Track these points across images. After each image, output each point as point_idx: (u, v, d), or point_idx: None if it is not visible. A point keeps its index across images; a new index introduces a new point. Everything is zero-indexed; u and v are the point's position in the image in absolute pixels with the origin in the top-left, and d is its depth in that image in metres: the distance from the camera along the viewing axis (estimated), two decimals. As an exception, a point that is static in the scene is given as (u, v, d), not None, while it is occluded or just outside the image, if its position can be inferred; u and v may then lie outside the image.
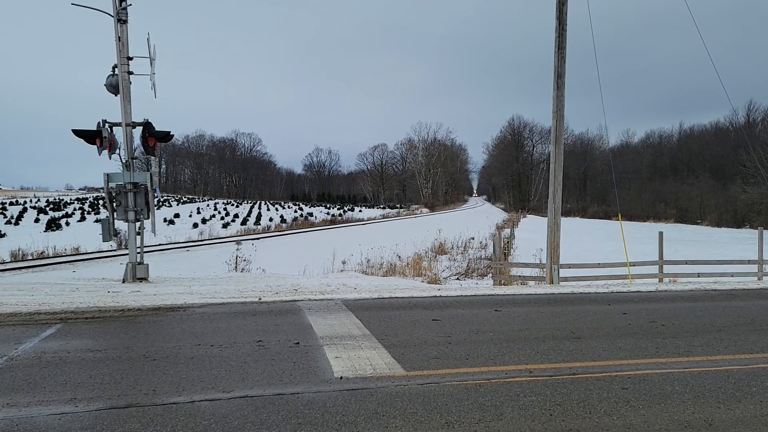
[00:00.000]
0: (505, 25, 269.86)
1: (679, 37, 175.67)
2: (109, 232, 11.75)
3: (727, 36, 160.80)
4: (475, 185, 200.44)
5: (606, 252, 23.13)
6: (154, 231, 12.61)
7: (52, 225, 38.69)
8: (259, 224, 50.00)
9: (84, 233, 33.67)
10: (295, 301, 9.00)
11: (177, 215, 53.49)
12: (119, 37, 11.63)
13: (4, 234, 33.56)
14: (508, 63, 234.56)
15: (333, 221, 57.27)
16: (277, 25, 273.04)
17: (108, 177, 11.62)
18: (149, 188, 11.77)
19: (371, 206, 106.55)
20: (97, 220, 44.33)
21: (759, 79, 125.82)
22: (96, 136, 11.42)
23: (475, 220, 56.56)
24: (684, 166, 78.86)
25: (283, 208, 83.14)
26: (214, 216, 57.62)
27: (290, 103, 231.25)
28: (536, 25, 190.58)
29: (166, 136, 12.23)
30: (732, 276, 14.14)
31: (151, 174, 11.77)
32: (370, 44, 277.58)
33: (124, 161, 11.80)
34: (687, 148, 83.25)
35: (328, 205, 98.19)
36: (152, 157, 12.57)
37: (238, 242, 29.19)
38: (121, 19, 11.69)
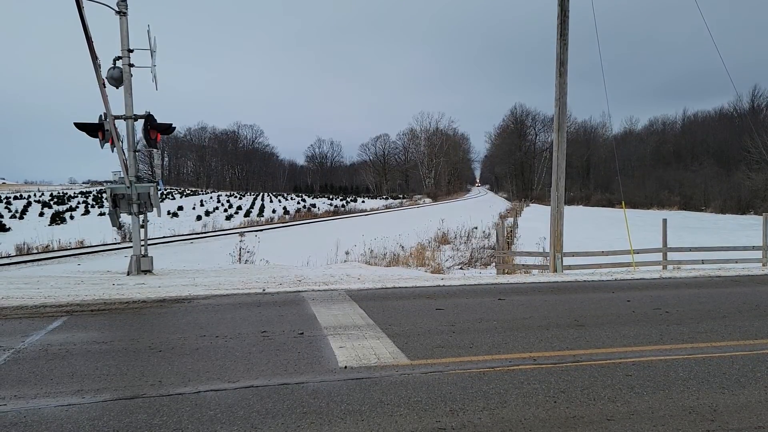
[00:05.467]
0: (505, 9, 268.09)
1: (681, 21, 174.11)
2: (115, 221, 12.19)
3: (731, 16, 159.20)
4: (477, 175, 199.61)
5: (610, 240, 23.09)
6: (159, 213, 12.53)
7: (57, 219, 38.82)
8: (263, 216, 50.10)
9: (88, 227, 33.78)
10: (299, 291, 9.02)
11: (180, 208, 53.58)
12: (93, 28, 11.46)
13: (9, 228, 33.69)
14: (509, 52, 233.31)
15: (336, 212, 57.30)
16: (269, 18, 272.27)
17: (111, 191, 11.70)
18: (150, 195, 11.81)
19: (374, 197, 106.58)
20: (101, 214, 44.49)
21: (763, 61, 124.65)
22: (98, 129, 11.41)
23: (478, 209, 56.51)
24: (688, 153, 78.39)
25: (286, 199, 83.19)
26: (217, 208, 57.74)
27: (291, 94, 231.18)
28: (537, 11, 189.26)
29: (168, 128, 12.22)
30: (736, 262, 14.12)
31: (153, 167, 11.79)
32: (368, 32, 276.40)
33: (121, 175, 11.77)
34: (691, 135, 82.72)
35: (330, 196, 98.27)
36: (155, 150, 12.57)
37: (241, 234, 29.24)
38: (121, 12, 11.65)
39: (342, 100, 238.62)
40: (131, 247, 12.43)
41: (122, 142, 11.84)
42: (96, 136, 11.46)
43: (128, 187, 11.66)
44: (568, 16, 12.86)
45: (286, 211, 56.57)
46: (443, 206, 69.18)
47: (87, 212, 47.26)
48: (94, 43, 9.69)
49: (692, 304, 8.06)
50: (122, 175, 11.66)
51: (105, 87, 10.42)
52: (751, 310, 7.52)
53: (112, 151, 11.65)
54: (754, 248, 14.79)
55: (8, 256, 19.75)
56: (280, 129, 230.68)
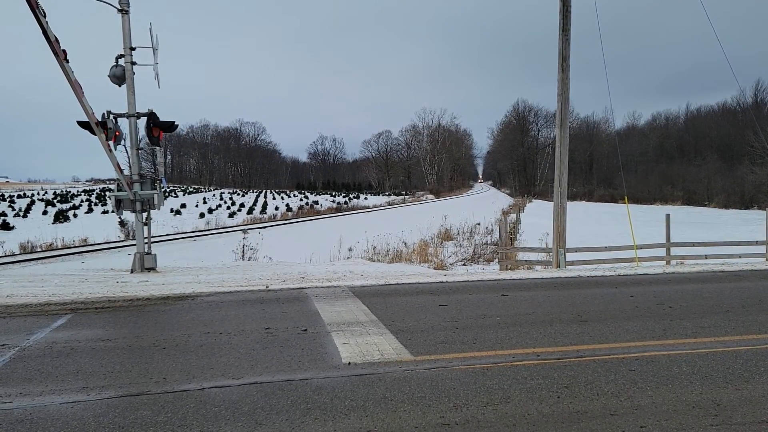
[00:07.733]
0: (507, 4, 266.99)
1: (684, 15, 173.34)
2: (120, 213, 12.62)
3: (733, 10, 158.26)
4: (480, 171, 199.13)
5: (613, 235, 23.05)
6: (160, 206, 12.61)
7: (60, 217, 38.89)
8: (265, 213, 50.14)
9: (91, 225, 33.85)
10: (303, 288, 9.04)
11: (183, 205, 53.63)
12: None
13: (13, 226, 33.77)
14: (511, 47, 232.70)
15: (338, 209, 57.27)
16: (268, 15, 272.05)
17: (116, 197, 11.81)
18: (154, 202, 11.86)
19: (376, 194, 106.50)
20: (104, 212, 44.59)
21: (766, 55, 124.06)
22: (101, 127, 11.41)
23: (481, 205, 56.45)
24: (691, 148, 78.09)
25: (289, 196, 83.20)
26: (220, 205, 57.76)
27: (293, 91, 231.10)
28: (539, 5, 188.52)
29: (171, 126, 12.23)
30: (740, 257, 14.08)
31: (156, 165, 11.83)
32: (368, 28, 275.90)
33: (127, 173, 11.79)
34: (694, 130, 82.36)
35: (333, 193, 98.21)
36: (157, 148, 12.58)
37: (244, 231, 29.21)
38: (123, 10, 11.65)
39: (344, 96, 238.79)
40: (135, 244, 12.45)
41: (124, 141, 11.86)
42: (98, 134, 11.46)
43: (132, 199, 11.74)
44: (570, 10, 12.82)
45: (288, 209, 56.60)
46: (446, 203, 69.13)
47: (90, 210, 47.32)
48: (58, 41, 9.68)
49: (695, 299, 8.05)
50: (123, 175, 11.67)
51: (76, 80, 10.30)
52: (755, 305, 7.51)
53: (115, 149, 11.66)
54: (757, 243, 14.76)
55: (12, 255, 19.81)
56: (283, 126, 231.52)
